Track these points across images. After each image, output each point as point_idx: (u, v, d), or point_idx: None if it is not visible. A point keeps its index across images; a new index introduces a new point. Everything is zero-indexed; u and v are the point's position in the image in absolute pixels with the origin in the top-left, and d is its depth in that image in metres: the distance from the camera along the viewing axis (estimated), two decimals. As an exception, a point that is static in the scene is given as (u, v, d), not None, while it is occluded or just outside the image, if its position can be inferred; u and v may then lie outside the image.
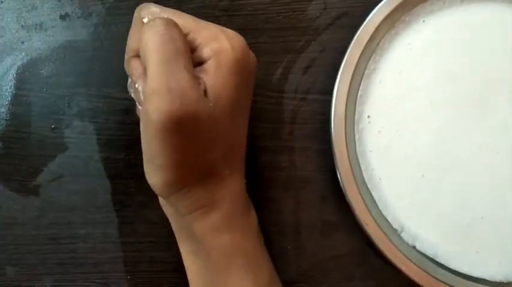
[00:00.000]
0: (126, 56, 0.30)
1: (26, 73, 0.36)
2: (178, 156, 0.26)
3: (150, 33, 0.25)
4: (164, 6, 0.37)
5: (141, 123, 0.26)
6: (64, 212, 0.36)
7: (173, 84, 0.24)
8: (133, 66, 0.28)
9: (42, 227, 0.36)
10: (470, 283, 0.32)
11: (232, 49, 0.26)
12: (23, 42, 0.37)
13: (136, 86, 0.27)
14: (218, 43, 0.26)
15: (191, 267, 0.30)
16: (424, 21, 0.34)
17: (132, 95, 0.30)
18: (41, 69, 0.36)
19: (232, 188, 0.28)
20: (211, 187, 0.28)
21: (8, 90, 0.36)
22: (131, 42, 0.29)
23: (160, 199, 0.31)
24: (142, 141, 0.27)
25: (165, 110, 0.24)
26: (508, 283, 0.32)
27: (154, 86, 0.24)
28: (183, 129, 0.24)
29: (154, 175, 0.27)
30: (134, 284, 0.35)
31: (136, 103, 0.30)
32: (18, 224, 0.36)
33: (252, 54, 0.29)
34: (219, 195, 0.28)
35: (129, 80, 0.30)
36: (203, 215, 0.28)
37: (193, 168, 0.27)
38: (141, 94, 0.26)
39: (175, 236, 0.31)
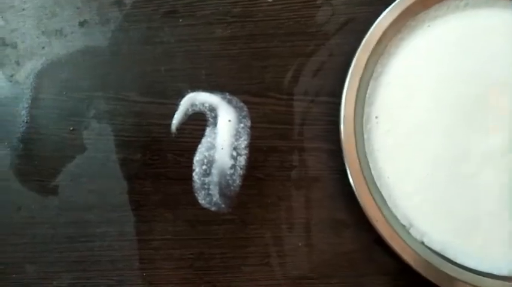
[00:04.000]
0: None
1: (46, 77, 0.38)
2: None
3: None
4: (177, 14, 0.39)
5: None
6: (82, 212, 0.37)
7: None
8: None
9: (60, 226, 0.37)
10: (477, 277, 0.33)
11: None
12: (43, 48, 0.38)
13: None
14: None
15: None
16: (429, 26, 0.36)
17: None
18: (60, 73, 0.38)
19: None
20: None
21: (29, 93, 0.38)
22: None
23: None
24: None
25: None
26: (514, 277, 0.33)
27: None
28: None
29: None
30: (150, 281, 0.36)
31: None
32: (37, 223, 0.37)
33: None
34: None
35: None
36: None
37: None
38: None
39: None
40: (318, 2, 0.38)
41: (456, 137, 0.35)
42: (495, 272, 0.33)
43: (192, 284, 0.36)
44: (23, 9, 0.39)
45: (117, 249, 0.36)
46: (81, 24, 0.38)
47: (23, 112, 0.38)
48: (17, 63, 0.38)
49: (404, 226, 0.34)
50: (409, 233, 0.34)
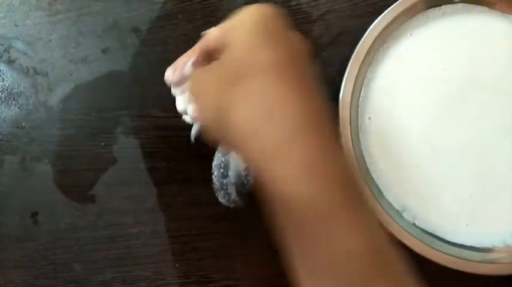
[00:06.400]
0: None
1: (76, 100, 0.43)
2: None
3: None
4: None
5: None
6: (118, 215, 0.42)
7: None
8: None
9: (100, 229, 0.42)
10: (462, 250, 0.38)
11: None
12: (71, 74, 0.43)
13: None
14: None
15: None
16: (411, 34, 0.41)
17: None
18: (88, 96, 0.43)
19: None
20: None
21: (61, 116, 0.43)
22: None
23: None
24: None
25: None
26: (494, 248, 0.39)
27: None
28: None
29: None
30: (182, 271, 0.42)
31: None
32: (80, 228, 0.42)
33: None
34: None
35: None
36: None
37: None
38: None
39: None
40: (313, 18, 0.42)
41: (439, 131, 0.40)
42: (477, 245, 0.39)
43: (217, 271, 0.42)
44: (50, 41, 0.43)
45: (152, 245, 0.42)
46: (104, 51, 0.43)
47: (59, 133, 0.43)
48: (49, 89, 0.43)
49: (397, 211, 0.40)
50: (402, 217, 0.39)
